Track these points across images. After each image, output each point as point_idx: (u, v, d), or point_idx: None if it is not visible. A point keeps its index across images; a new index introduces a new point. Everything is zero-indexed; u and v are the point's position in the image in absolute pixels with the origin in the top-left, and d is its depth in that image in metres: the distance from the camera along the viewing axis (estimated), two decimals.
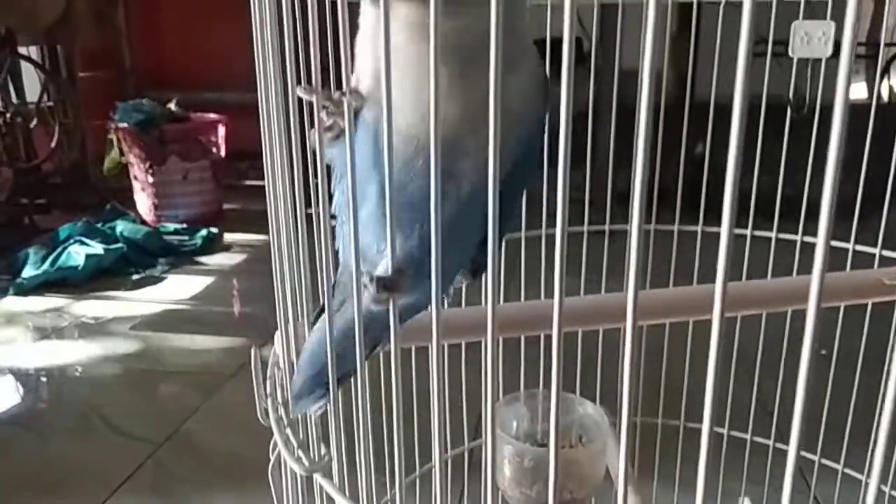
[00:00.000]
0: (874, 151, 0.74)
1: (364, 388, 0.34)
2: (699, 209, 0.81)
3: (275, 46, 0.37)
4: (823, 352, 0.80)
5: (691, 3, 0.78)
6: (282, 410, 0.41)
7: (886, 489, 0.73)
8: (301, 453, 0.37)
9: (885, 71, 2.92)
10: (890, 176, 0.73)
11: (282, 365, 0.40)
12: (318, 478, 0.36)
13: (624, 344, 0.29)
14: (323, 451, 0.37)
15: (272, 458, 0.40)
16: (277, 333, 0.42)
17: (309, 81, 0.34)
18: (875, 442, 0.25)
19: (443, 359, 0.32)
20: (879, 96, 2.99)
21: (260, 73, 0.40)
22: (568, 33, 0.25)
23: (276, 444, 0.39)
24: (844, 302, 0.55)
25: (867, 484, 0.77)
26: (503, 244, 0.73)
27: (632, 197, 0.25)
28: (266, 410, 0.42)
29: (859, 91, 3.06)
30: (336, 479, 0.36)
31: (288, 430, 0.39)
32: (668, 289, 0.52)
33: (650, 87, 0.26)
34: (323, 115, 0.34)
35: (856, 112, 0.74)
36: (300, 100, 0.37)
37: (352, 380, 0.35)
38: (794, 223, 0.78)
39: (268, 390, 0.43)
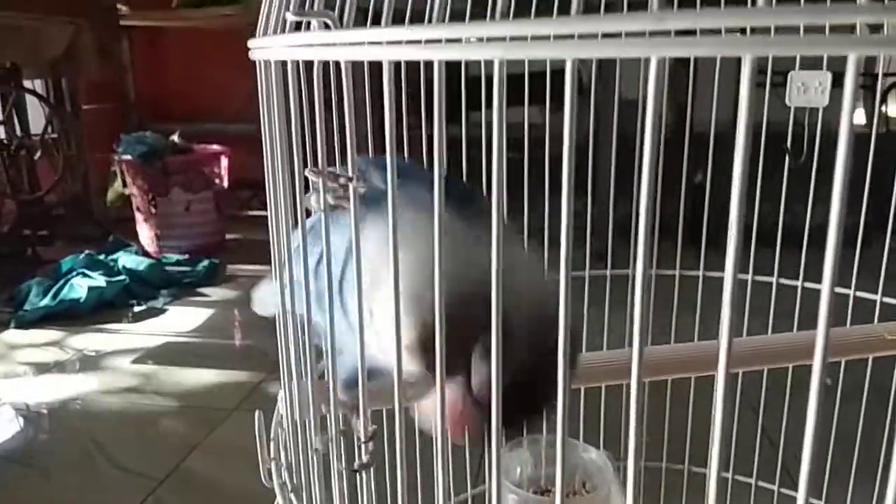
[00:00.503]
0: (872, 181, 0.74)
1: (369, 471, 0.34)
2: (700, 244, 0.82)
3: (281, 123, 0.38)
4: (828, 381, 0.80)
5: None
6: (286, 475, 0.41)
7: None
8: None
9: (883, 100, 2.94)
10: (892, 209, 0.73)
11: (285, 425, 0.40)
12: None
13: (629, 398, 0.29)
14: None
15: None
16: (280, 393, 0.42)
17: (315, 161, 0.34)
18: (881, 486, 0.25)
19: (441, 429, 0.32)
20: (878, 126, 3.00)
21: (267, 154, 0.40)
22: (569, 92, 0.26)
23: None
24: (846, 357, 0.55)
25: None
26: None
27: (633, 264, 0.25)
28: (269, 472, 0.42)
29: (857, 118, 3.08)
30: None
31: (292, 496, 0.39)
32: (671, 346, 0.52)
33: (651, 162, 0.27)
34: (329, 196, 0.35)
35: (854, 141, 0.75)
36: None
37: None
38: (797, 252, 0.78)
39: (272, 453, 0.43)
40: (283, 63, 0.36)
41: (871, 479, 0.75)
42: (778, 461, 0.83)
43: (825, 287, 0.26)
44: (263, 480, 0.42)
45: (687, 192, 0.81)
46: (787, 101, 0.70)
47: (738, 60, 0.23)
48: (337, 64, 0.33)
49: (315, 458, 0.35)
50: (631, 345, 0.27)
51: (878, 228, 0.75)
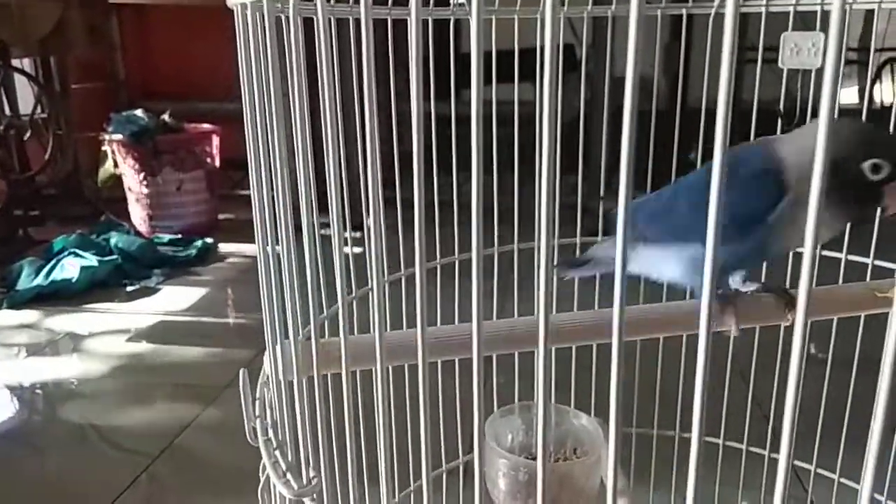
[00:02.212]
0: None
1: (357, 414, 0.34)
2: None
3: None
4: (821, 355, 0.80)
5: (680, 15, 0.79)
6: (270, 432, 0.40)
7: (883, 499, 0.73)
8: (290, 476, 0.37)
9: (877, 76, 2.93)
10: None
11: (271, 385, 0.40)
12: (306, 502, 0.36)
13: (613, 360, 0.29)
14: (312, 473, 0.37)
15: (262, 479, 0.40)
16: (266, 353, 0.42)
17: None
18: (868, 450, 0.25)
19: (431, 374, 0.31)
20: (871, 101, 2.99)
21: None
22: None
23: (265, 466, 0.39)
24: (836, 315, 0.55)
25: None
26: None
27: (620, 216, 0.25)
28: (255, 430, 0.41)
29: (851, 96, 3.07)
30: (326, 502, 0.35)
31: (277, 452, 0.39)
32: (653, 305, 0.52)
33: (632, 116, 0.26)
34: None
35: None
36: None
37: (346, 405, 0.35)
38: None
39: (256, 411, 0.42)
40: (260, 6, 0.35)
41: (862, 446, 0.75)
42: (768, 428, 0.84)
43: (808, 236, 0.25)
44: (249, 438, 0.42)
45: (682, 167, 0.80)
46: (780, 62, 0.69)
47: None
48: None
49: (301, 415, 0.35)
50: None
51: None
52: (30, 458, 1.43)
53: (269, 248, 0.40)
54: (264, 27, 0.37)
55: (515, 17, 0.79)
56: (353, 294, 0.64)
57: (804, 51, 0.67)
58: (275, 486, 0.37)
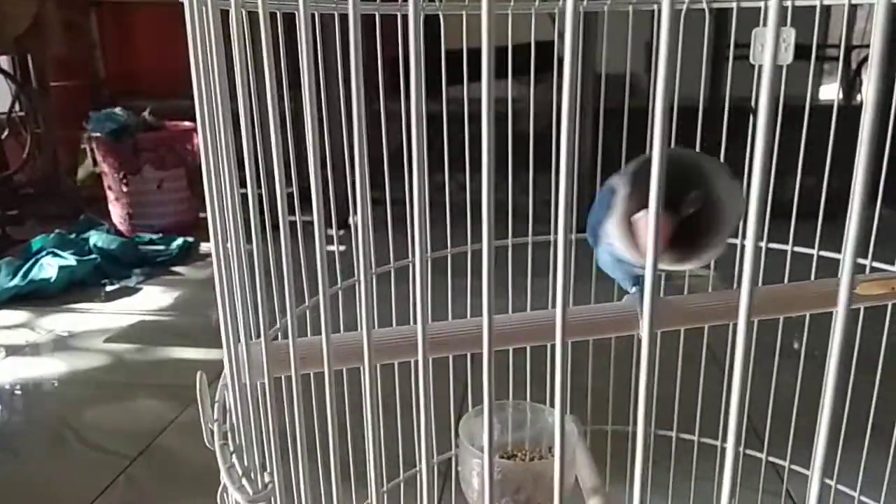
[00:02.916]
0: (843, 153, 0.74)
1: (301, 416, 0.33)
2: None
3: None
4: (795, 345, 0.80)
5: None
6: (228, 436, 0.40)
7: (856, 493, 0.73)
8: (245, 482, 0.36)
9: (857, 74, 2.95)
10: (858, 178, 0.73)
11: (230, 387, 0.39)
12: None
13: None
14: (267, 479, 0.36)
15: (221, 483, 0.39)
16: (224, 354, 0.41)
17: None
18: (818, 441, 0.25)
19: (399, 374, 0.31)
20: (849, 98, 3.02)
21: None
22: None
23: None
24: (810, 311, 0.54)
25: (815, 481, 0.78)
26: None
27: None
28: (212, 433, 0.41)
29: (831, 93, 3.09)
30: None
31: (233, 457, 0.38)
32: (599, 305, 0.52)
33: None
34: None
35: (827, 114, 0.74)
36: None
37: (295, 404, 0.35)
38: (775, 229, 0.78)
39: (215, 414, 0.42)
40: None
41: (835, 442, 0.75)
42: (743, 423, 0.84)
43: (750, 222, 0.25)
44: (206, 442, 0.41)
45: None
46: (751, 59, 0.69)
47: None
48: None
49: (256, 419, 0.34)
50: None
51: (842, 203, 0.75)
52: (7, 460, 1.41)
53: (221, 248, 0.40)
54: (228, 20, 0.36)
55: (509, 13, 0.78)
56: (311, 300, 0.64)
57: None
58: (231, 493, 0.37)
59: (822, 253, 0.71)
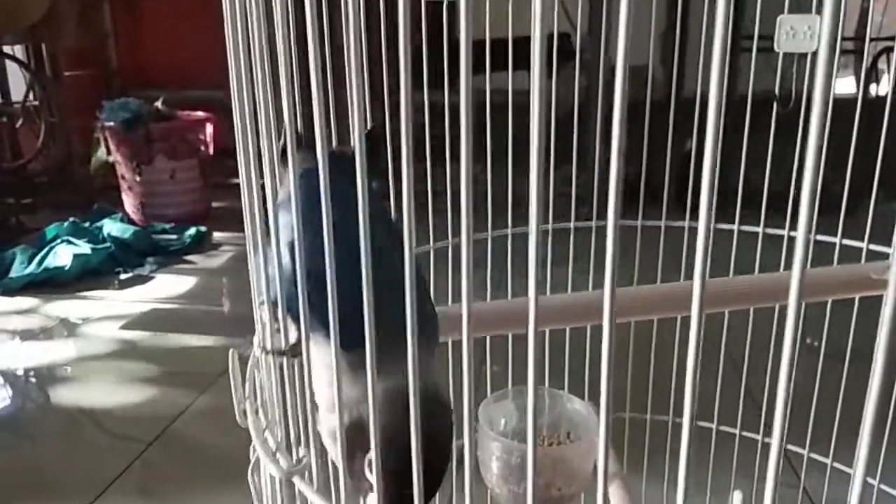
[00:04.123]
0: (861, 146, 0.74)
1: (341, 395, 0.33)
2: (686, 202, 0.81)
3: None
4: (815, 343, 0.80)
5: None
6: (260, 413, 0.40)
7: (875, 483, 0.73)
8: (279, 456, 0.37)
9: (873, 65, 2.93)
10: (877, 170, 0.73)
11: (261, 365, 0.39)
12: (296, 480, 0.35)
13: (605, 341, 0.29)
14: (301, 452, 0.37)
15: (252, 460, 0.40)
16: (256, 335, 0.41)
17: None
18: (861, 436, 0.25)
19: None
20: (867, 91, 2.99)
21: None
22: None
23: (255, 447, 0.39)
24: (832, 297, 0.54)
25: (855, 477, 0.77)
26: None
27: (611, 192, 0.24)
28: (244, 412, 0.41)
29: (848, 86, 3.07)
30: (315, 481, 0.35)
31: (266, 433, 0.39)
32: (646, 286, 0.52)
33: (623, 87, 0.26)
34: None
35: (843, 107, 0.74)
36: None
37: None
38: (783, 218, 0.78)
39: (246, 392, 0.42)
40: None
41: (855, 433, 0.75)
42: (761, 414, 0.84)
43: (804, 202, 0.25)
44: (238, 420, 0.41)
45: (677, 159, 0.80)
46: (775, 46, 0.69)
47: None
48: None
49: (289, 394, 0.35)
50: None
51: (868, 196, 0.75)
52: (22, 446, 1.43)
53: (258, 226, 0.40)
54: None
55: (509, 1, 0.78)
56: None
57: (800, 34, 0.66)
58: (264, 467, 0.37)
59: (845, 241, 0.71)
